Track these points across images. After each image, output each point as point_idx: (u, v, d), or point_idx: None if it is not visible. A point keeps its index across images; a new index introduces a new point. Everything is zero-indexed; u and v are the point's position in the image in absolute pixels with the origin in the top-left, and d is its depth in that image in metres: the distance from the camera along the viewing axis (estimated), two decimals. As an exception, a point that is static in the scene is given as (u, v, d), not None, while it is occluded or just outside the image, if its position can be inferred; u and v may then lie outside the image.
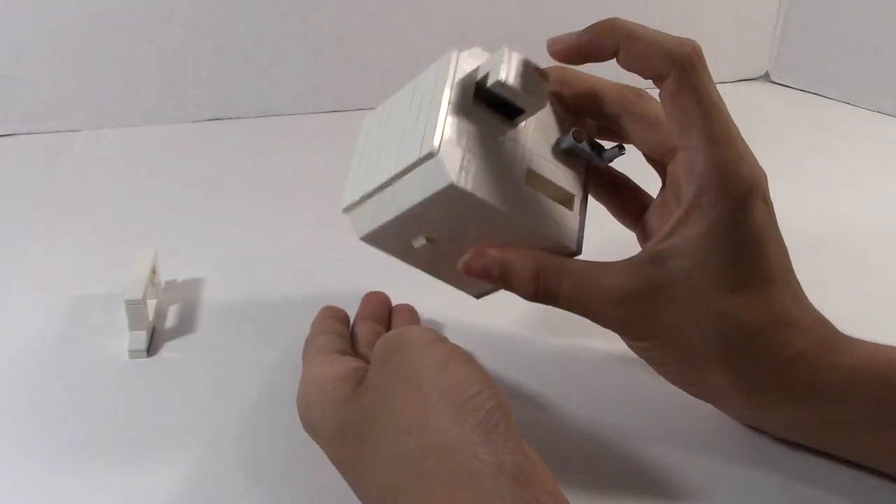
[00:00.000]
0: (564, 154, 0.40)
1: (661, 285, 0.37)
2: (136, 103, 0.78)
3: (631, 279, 0.37)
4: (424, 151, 0.36)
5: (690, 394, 0.41)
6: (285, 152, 0.74)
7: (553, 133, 0.41)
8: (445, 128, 0.37)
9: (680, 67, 0.35)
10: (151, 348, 0.48)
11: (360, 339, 0.45)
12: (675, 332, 0.37)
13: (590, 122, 0.42)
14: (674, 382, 0.40)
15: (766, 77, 0.89)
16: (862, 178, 0.69)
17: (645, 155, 0.41)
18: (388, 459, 0.32)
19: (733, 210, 0.36)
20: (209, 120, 0.80)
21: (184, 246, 0.58)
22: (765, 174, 0.37)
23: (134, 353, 0.47)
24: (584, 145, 0.40)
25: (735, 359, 0.37)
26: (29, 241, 0.59)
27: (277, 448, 0.41)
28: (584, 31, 0.38)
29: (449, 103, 0.37)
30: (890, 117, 0.79)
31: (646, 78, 0.37)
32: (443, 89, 0.38)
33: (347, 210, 0.41)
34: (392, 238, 0.40)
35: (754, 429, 0.42)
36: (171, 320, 0.51)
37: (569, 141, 0.40)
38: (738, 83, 0.88)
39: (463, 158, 0.36)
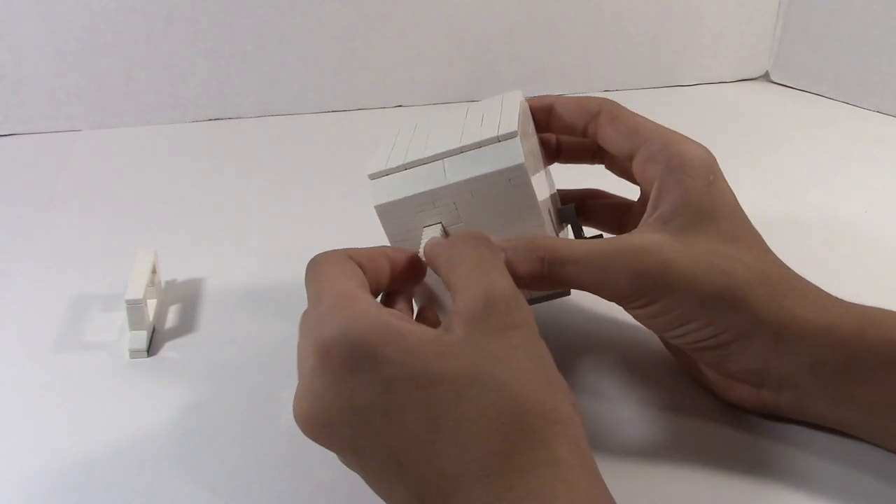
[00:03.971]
0: (559, 215, 0.46)
1: (664, 244, 0.39)
2: (136, 103, 0.78)
3: (638, 240, 0.39)
4: (504, 131, 0.40)
5: (706, 358, 0.41)
6: (285, 152, 0.74)
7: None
8: (520, 125, 0.41)
9: (607, 102, 0.44)
10: (151, 348, 0.48)
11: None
12: (690, 279, 0.38)
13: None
14: (691, 343, 0.40)
15: (766, 77, 0.89)
16: (862, 178, 0.69)
17: (617, 168, 0.47)
18: (510, 429, 0.30)
19: (704, 174, 0.40)
20: (209, 120, 0.80)
21: (184, 246, 0.58)
22: None
23: (134, 353, 0.47)
24: (576, 219, 0.46)
25: (755, 297, 0.39)
26: (29, 241, 0.59)
27: (277, 448, 0.41)
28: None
29: (520, 115, 0.42)
30: (890, 117, 0.79)
31: (579, 127, 0.45)
32: (516, 105, 0.43)
33: (375, 176, 0.42)
34: (408, 216, 0.41)
35: (765, 417, 0.42)
36: (171, 320, 0.51)
37: (570, 211, 0.46)
38: (738, 83, 0.88)
39: (525, 152, 0.40)
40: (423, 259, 0.39)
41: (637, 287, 0.39)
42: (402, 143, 0.44)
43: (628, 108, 0.44)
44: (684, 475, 0.39)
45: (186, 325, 0.50)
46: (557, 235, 0.44)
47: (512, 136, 0.40)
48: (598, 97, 0.45)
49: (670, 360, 0.46)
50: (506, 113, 0.42)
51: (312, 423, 0.33)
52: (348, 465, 0.34)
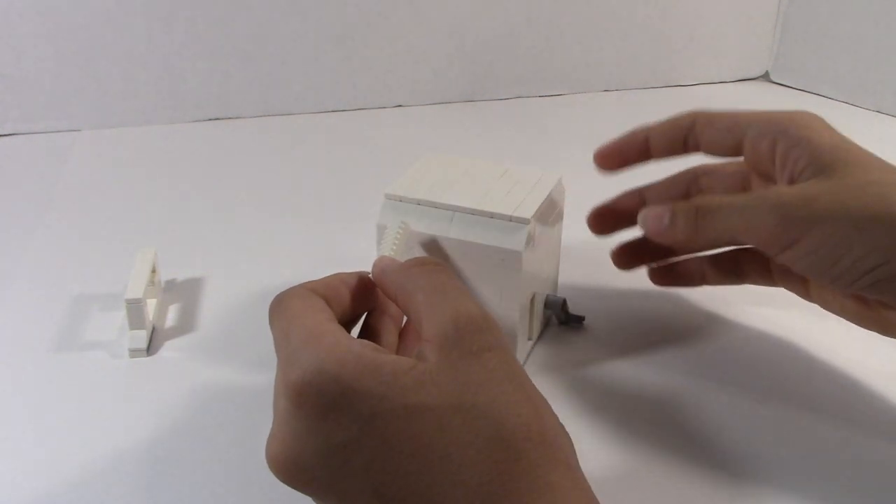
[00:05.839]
0: (547, 301, 0.47)
1: (805, 185, 0.39)
2: (136, 103, 0.78)
3: (789, 187, 0.40)
4: (520, 214, 0.41)
5: (888, 295, 0.38)
6: (285, 152, 0.74)
7: None
8: (538, 212, 0.42)
9: (698, 112, 0.45)
10: (151, 348, 0.48)
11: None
12: (839, 206, 0.37)
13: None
14: (862, 279, 0.38)
15: (766, 77, 0.89)
16: (862, 177, 0.69)
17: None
18: (501, 456, 0.29)
19: (820, 124, 0.42)
20: (209, 120, 0.80)
21: (184, 246, 0.58)
22: None
23: (134, 353, 0.47)
24: (560, 310, 0.48)
25: None
26: (29, 241, 0.59)
27: (277, 448, 0.41)
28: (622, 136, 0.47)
29: (545, 201, 0.43)
30: (890, 117, 0.79)
31: (679, 144, 0.45)
32: (546, 189, 0.44)
33: (390, 197, 0.44)
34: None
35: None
36: (171, 320, 0.51)
37: (557, 301, 0.47)
38: (738, 83, 0.88)
39: (530, 242, 0.41)
40: (372, 278, 0.38)
41: (781, 220, 0.38)
42: (430, 177, 0.45)
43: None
44: (685, 476, 0.39)
45: (186, 324, 0.50)
46: (528, 325, 0.45)
47: (523, 221, 0.41)
48: (688, 111, 0.45)
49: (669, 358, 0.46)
50: (533, 195, 0.43)
51: (287, 467, 0.31)
52: None
